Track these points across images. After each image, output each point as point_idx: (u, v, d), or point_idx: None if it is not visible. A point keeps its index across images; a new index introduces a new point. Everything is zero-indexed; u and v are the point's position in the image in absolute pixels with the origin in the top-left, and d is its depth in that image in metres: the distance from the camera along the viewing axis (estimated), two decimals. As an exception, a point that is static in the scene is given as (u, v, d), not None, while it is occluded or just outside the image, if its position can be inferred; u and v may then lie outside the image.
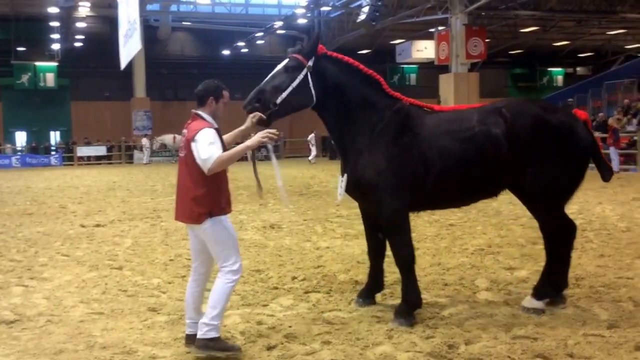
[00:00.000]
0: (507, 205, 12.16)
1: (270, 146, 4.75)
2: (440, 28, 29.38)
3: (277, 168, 4.99)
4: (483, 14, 31.46)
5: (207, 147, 4.17)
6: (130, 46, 22.32)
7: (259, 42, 42.01)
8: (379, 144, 5.08)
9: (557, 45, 44.48)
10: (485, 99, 33.94)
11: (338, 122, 5.23)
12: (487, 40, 29.37)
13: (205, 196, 4.28)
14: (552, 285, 5.35)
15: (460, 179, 5.14)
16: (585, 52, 47.19)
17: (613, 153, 19.64)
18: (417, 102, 5.44)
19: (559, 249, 5.37)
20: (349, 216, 11.38)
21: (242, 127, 4.77)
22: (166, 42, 42.26)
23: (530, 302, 5.29)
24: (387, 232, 5.31)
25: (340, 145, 5.31)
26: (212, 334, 4.29)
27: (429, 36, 32.75)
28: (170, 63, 41.96)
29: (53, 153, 38.93)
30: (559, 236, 5.36)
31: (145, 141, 35.78)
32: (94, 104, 40.28)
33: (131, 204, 14.17)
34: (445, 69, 30.74)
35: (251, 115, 4.77)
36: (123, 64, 23.42)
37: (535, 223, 9.56)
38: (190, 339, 4.45)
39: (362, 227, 9.84)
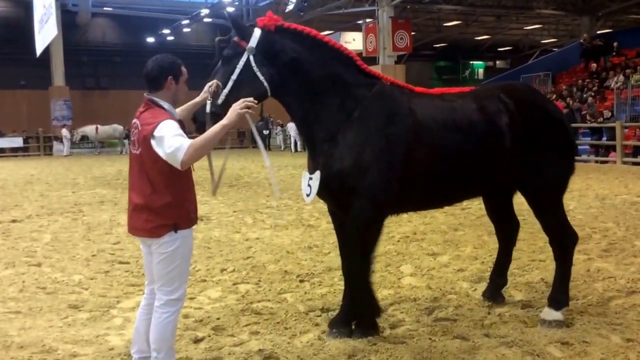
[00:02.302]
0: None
1: (251, 121, 3.82)
2: (367, 20, 29.71)
3: (263, 151, 4.15)
4: (408, 7, 32.07)
5: (172, 138, 3.33)
6: (45, 32, 21.41)
7: (185, 29, 41.21)
8: (360, 133, 4.24)
9: (479, 40, 45.88)
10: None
11: (302, 108, 4.33)
12: (412, 33, 29.93)
13: (169, 205, 3.47)
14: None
15: (455, 176, 4.47)
16: (504, 46, 48.92)
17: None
18: (398, 82, 4.60)
19: (565, 253, 4.79)
20: (279, 207, 11.40)
21: (197, 99, 4.02)
22: (86, 28, 40.77)
23: (549, 313, 4.66)
24: (350, 238, 4.40)
25: (308, 135, 4.42)
26: None
27: (357, 28, 33.08)
28: (90, 50, 40.61)
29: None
30: (565, 238, 4.79)
31: (65, 132, 34.41)
32: (8, 92, 38.39)
33: (50, 197, 13.64)
34: (373, 60, 31.11)
35: (208, 84, 4.04)
36: (38, 50, 22.44)
37: (455, 210, 9.97)
38: None
39: (291, 218, 10.02)
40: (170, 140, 3.32)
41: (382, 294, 5.59)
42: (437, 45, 46.76)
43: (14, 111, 38.35)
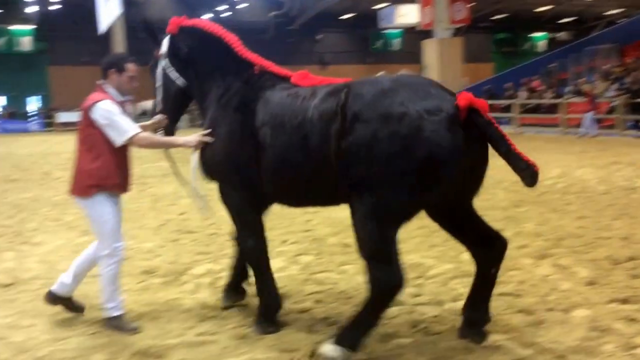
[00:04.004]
0: (489, 170, 12.37)
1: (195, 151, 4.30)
2: (423, -8, 29.23)
3: (194, 172, 4.37)
4: (467, -23, 31.34)
5: (119, 121, 4.10)
6: (109, 10, 21.94)
7: (240, 5, 41.46)
8: (219, 119, 4.21)
9: (540, 10, 44.48)
10: (469, 64, 34.08)
11: (199, 99, 4.50)
12: (470, 4, 29.30)
13: (97, 168, 4.13)
14: None
15: (287, 175, 3.92)
16: (567, 17, 47.26)
17: (589, 119, 20.03)
18: (274, 69, 4.34)
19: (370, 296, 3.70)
20: (335, 181, 11.51)
21: (148, 123, 4.55)
22: (145, 5, 41.49)
23: (325, 346, 3.72)
24: (233, 222, 4.39)
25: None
26: (115, 313, 4.29)
27: (413, 0, 32.57)
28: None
29: (32, 119, 38.42)
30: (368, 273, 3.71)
31: (126, 107, 35.36)
32: (72, 68, 39.59)
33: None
34: (428, 34, 30.67)
35: (160, 117, 4.52)
36: (102, 28, 23.02)
37: (516, 187, 9.87)
38: (50, 297, 4.51)
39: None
40: (120, 122, 4.10)
41: (443, 268, 5.65)
42: (496, 17, 45.55)
43: (77, 86, 39.59)
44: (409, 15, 34.93)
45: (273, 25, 42.94)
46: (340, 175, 3.59)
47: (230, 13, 41.86)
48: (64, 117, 36.44)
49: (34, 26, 38.18)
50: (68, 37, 38.95)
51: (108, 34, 35.10)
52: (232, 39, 4.43)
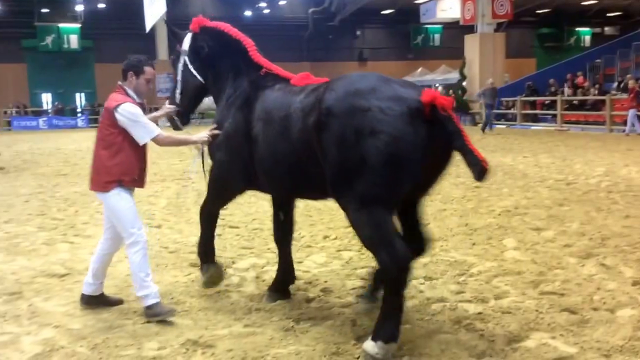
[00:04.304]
0: (532, 168, 12.28)
1: (200, 148, 4.89)
2: (465, -13, 28.96)
3: (195, 163, 5.03)
4: (509, -29, 30.89)
5: (143, 122, 4.39)
6: (155, 8, 22.36)
7: (281, 2, 41.71)
8: (225, 117, 4.67)
9: (585, 4, 43.51)
10: (512, 59, 33.63)
11: (215, 96, 4.97)
12: (513, -1, 28.93)
13: (116, 165, 4.40)
14: None
15: (275, 163, 4.21)
16: (613, 12, 46.12)
17: (632, 116, 19.64)
18: (278, 70, 4.69)
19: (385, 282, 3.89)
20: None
21: (157, 113, 5.01)
22: (187, 3, 42.08)
23: (366, 343, 3.77)
24: (207, 190, 4.90)
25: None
26: (150, 302, 4.42)
27: (454, -5, 32.30)
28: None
29: (79, 115, 39.43)
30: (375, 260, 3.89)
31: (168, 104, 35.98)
32: (117, 66, 40.02)
33: (160, 165, 14.47)
34: (470, 29, 30.37)
35: (167, 106, 4.95)
36: (148, 26, 23.50)
37: (560, 185, 9.78)
38: (83, 299, 4.71)
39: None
40: (144, 123, 4.38)
41: (485, 266, 5.67)
42: (540, 11, 44.73)
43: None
44: (450, 10, 34.63)
45: (312, 21, 43.05)
46: (323, 167, 3.81)
47: (270, 10, 42.11)
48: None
49: (81, 24, 39.08)
50: (113, 35, 39.81)
51: (152, 32, 35.74)
52: (249, 43, 4.82)
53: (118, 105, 4.37)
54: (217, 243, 6.70)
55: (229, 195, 4.92)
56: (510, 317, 4.36)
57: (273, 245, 6.52)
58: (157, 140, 4.47)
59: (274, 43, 42.49)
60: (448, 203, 8.78)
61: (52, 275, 5.63)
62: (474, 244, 6.49)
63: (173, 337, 4.11)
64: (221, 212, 8.38)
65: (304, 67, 43.61)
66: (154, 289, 4.47)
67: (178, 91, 4.92)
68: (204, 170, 4.96)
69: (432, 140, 3.61)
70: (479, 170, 3.57)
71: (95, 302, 4.72)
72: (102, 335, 4.18)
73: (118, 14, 39.39)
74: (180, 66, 4.90)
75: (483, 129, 22.81)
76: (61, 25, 39.25)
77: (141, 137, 4.43)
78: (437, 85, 33.79)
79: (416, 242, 4.07)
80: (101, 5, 39.97)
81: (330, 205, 8.79)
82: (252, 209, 8.66)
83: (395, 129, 3.52)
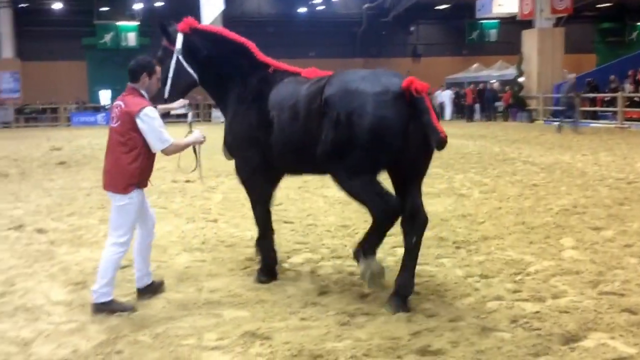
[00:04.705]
0: (592, 166, 11.96)
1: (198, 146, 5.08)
2: (523, -19, 28.37)
3: (198, 163, 5.33)
4: (569, -36, 30.08)
5: (161, 130, 4.49)
6: (212, 5, 22.78)
7: (335, -1, 41.78)
8: (240, 111, 5.17)
9: (649, -2, 41.94)
10: (571, 55, 32.74)
11: (218, 94, 5.41)
12: (573, -8, 28.16)
13: (136, 169, 4.52)
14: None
15: (289, 145, 4.83)
16: (679, 5, 44.30)
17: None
18: (286, 67, 5.24)
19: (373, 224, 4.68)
20: (429, 175, 11.46)
21: (172, 105, 5.26)
22: (242, 1, 42.62)
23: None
24: (246, 191, 5.46)
25: (222, 114, 5.55)
26: (104, 299, 4.53)
27: (511, -11, 31.66)
28: (246, 22, 42.37)
29: (137, 111, 40.38)
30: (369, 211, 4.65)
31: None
32: (173, 63, 41.27)
33: (214, 161, 14.67)
34: (528, 24, 29.73)
35: (181, 100, 5.31)
36: (206, 23, 23.93)
37: (620, 184, 9.51)
38: (140, 293, 4.89)
39: (442, 186, 10.10)
40: (163, 132, 4.49)
41: (542, 264, 5.59)
42: (601, 5, 43.30)
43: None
44: (507, 5, 33.94)
45: (366, 17, 42.94)
46: (322, 144, 4.52)
47: (324, 7, 42.20)
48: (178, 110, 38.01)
49: (139, 22, 40.06)
50: (171, 32, 40.62)
51: (207, 29, 36.39)
52: (252, 45, 5.32)
53: (140, 110, 4.45)
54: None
55: (265, 184, 5.27)
56: (568, 316, 4.29)
57: (328, 241, 6.64)
58: (165, 151, 4.57)
59: (327, 39, 42.69)
60: (504, 201, 8.66)
61: (114, 266, 5.83)
62: (531, 242, 6.40)
63: (231, 329, 4.22)
64: (276, 207, 8.61)
65: (356, 64, 43.61)
66: (112, 288, 4.60)
67: (167, 87, 5.13)
68: (199, 168, 5.27)
69: (412, 119, 4.30)
70: (438, 139, 4.19)
71: (147, 291, 4.91)
72: (163, 325, 4.32)
73: (175, 12, 40.05)
74: (173, 63, 5.13)
75: (574, 128, 20.60)
76: (119, 23, 40.31)
77: (154, 146, 4.53)
78: (493, 81, 33.20)
79: (415, 220, 4.59)
80: (159, 4, 40.85)
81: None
82: (306, 205, 8.75)
83: (380, 110, 4.29)
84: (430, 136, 4.23)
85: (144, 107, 4.47)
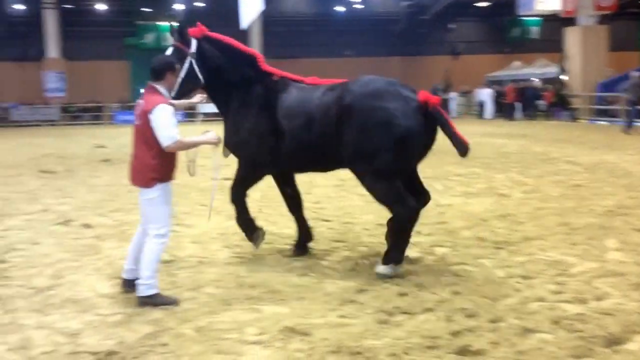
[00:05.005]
0: (637, 167, 11.69)
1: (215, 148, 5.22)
2: (566, -23, 27.83)
3: (217, 168, 5.58)
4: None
5: (168, 127, 4.57)
6: (252, 6, 22.94)
7: (373, -3, 41.63)
8: (246, 116, 5.54)
9: (699, -7, 40.62)
10: (615, 53, 31.97)
11: (223, 99, 5.70)
12: (618, -11, 27.52)
13: (159, 164, 4.67)
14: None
15: (303, 147, 5.41)
16: None
17: None
18: (289, 75, 5.74)
19: (394, 225, 5.41)
20: (469, 175, 11.40)
21: (191, 100, 5.70)
22: (281, 0, 42.79)
23: (380, 268, 5.33)
24: (237, 179, 5.94)
25: (225, 118, 5.79)
26: (150, 292, 4.68)
27: (554, -14, 31.06)
28: (284, 21, 42.58)
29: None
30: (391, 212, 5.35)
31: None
32: (213, 62, 41.72)
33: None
34: (571, 21, 29.14)
35: (201, 95, 5.71)
36: (245, 23, 24.10)
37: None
38: (126, 284, 4.98)
39: (481, 186, 10.01)
40: (168, 128, 4.57)
41: (585, 266, 5.51)
42: (647, 2, 42.19)
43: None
44: (550, 2, 33.24)
45: (405, 15, 42.66)
46: (340, 148, 5.21)
47: (362, 6, 42.09)
48: (206, 108, 38.58)
49: (179, 23, 40.61)
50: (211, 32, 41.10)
51: (245, 29, 36.69)
52: (258, 56, 5.77)
53: (154, 107, 4.60)
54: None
55: (254, 180, 5.93)
56: (612, 319, 4.24)
57: (365, 240, 6.66)
58: (168, 148, 4.62)
59: (364, 38, 42.56)
60: (546, 202, 8.55)
61: (157, 261, 5.97)
62: (573, 243, 6.31)
63: (271, 324, 4.28)
64: (312, 205, 8.68)
65: (394, 62, 43.45)
66: (157, 281, 4.75)
67: (176, 87, 5.27)
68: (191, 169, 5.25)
69: (426, 127, 5.13)
70: (463, 149, 5.12)
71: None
72: (206, 319, 4.42)
73: (215, 12, 40.59)
74: (186, 66, 5.39)
75: (627, 128, 19.69)
76: (160, 23, 40.93)
77: (161, 142, 4.61)
78: (534, 79, 32.64)
79: (420, 195, 5.52)
80: (199, 4, 41.36)
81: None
82: (343, 203, 8.79)
83: (406, 121, 5.02)
84: (455, 146, 5.12)
85: (157, 105, 4.62)
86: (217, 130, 5.05)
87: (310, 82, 5.70)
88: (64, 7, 37.75)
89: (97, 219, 8.10)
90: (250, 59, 5.72)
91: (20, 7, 38.34)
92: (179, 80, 5.31)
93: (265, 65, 5.73)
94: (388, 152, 5.03)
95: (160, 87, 4.80)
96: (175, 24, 5.55)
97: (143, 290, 4.70)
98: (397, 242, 5.31)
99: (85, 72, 38.84)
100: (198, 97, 5.54)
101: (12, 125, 34.36)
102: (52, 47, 37.33)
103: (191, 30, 5.52)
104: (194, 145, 4.86)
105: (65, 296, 4.99)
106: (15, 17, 38.34)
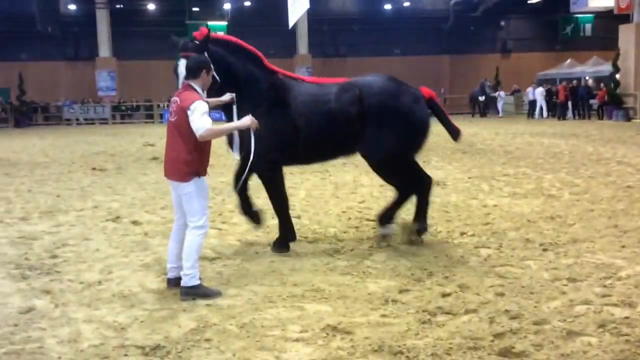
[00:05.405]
0: (693, 167, 11.28)
1: (252, 132, 5.38)
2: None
3: (251, 151, 5.58)
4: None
5: (201, 117, 4.73)
6: (299, 5, 23.06)
7: (421, -5, 41.28)
8: (257, 112, 5.52)
9: None
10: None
11: (237, 98, 5.78)
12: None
13: (196, 159, 4.86)
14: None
15: (321, 143, 6.04)
16: None
17: None
18: (289, 74, 6.26)
19: (417, 198, 6.41)
20: (517, 175, 11.22)
21: (222, 98, 5.64)
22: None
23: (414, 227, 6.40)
24: (264, 183, 6.28)
25: (238, 116, 5.75)
26: (193, 282, 4.86)
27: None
28: (331, 19, 42.65)
29: (225, 109, 41.53)
30: (412, 188, 6.41)
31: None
32: (260, 61, 42.04)
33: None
34: (625, 18, 28.31)
35: (231, 94, 5.73)
36: (291, 22, 24.22)
37: None
38: (171, 282, 5.12)
39: (530, 187, 9.84)
40: (200, 118, 4.73)
41: (635, 269, 5.39)
42: None
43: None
44: (603, -1, 32.40)
45: (453, 13, 42.15)
46: (360, 138, 6.03)
47: (410, 3, 41.78)
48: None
49: (227, 22, 41.13)
50: (257, 32, 41.48)
51: (293, 28, 36.88)
52: (261, 55, 6.09)
53: (191, 104, 4.77)
54: (354, 235, 6.94)
55: (277, 173, 6.16)
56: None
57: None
58: (201, 137, 4.78)
59: (412, 36, 42.26)
60: (596, 203, 8.34)
61: (202, 258, 6.05)
62: (623, 246, 6.15)
63: (314, 322, 4.32)
64: (357, 204, 8.70)
65: (443, 61, 43.02)
66: (198, 272, 4.94)
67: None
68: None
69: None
70: (456, 134, 6.37)
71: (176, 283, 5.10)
72: (249, 315, 4.49)
73: (262, 11, 40.98)
74: None
75: None
76: (210, 23, 41.50)
77: (196, 133, 4.77)
78: (587, 77, 31.82)
79: (424, 179, 6.38)
80: (247, 3, 41.80)
81: (468, 202, 8.71)
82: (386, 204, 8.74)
83: (420, 114, 6.09)
84: (450, 132, 6.35)
85: (194, 101, 4.79)
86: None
87: (310, 81, 6.34)
88: (115, 8, 38.72)
89: (146, 215, 8.31)
90: (256, 58, 6.03)
91: (73, 7, 39.49)
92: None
93: (269, 64, 6.10)
94: (408, 141, 6.13)
95: (196, 85, 4.98)
96: (185, 39, 5.81)
97: (186, 281, 4.88)
98: (424, 211, 6.40)
99: (136, 71, 39.76)
100: (228, 96, 5.67)
101: (65, 124, 35.52)
102: (104, 47, 38.35)
103: (197, 35, 5.70)
104: (227, 131, 5.06)
105: (114, 291, 5.14)
106: (68, 17, 39.52)
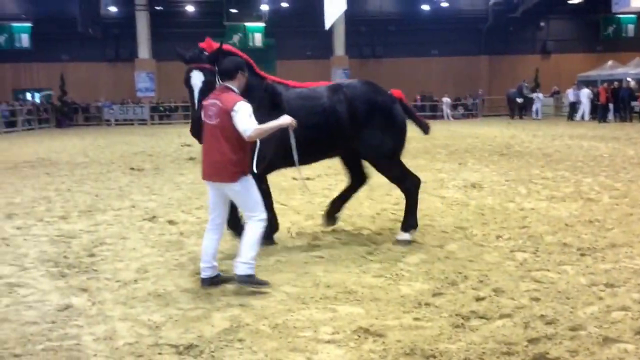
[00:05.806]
0: None
1: (292, 133, 5.35)
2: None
3: (295, 152, 5.48)
4: None
5: (248, 119, 4.84)
6: (335, 6, 23.14)
7: (459, -5, 40.86)
8: (258, 116, 5.52)
9: None
10: None
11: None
12: None
13: (241, 158, 4.97)
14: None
15: (312, 144, 6.13)
16: None
17: None
18: (277, 79, 6.53)
19: (407, 196, 6.72)
20: (555, 178, 11.03)
21: (277, 122, 5.55)
22: (366, 0, 42.76)
23: (401, 235, 6.62)
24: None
25: None
26: (251, 271, 5.03)
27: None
28: (368, 20, 42.53)
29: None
30: (401, 186, 6.78)
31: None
32: (297, 62, 42.22)
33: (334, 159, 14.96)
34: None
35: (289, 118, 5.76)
36: (328, 23, 24.32)
37: None
38: (205, 282, 5.20)
39: (568, 190, 9.66)
40: (248, 119, 4.85)
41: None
42: None
43: (301, 79, 42.06)
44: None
45: (492, 13, 41.61)
46: (350, 137, 6.42)
47: (448, 4, 41.40)
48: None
49: (265, 23, 41.42)
50: (294, 33, 41.70)
51: (329, 29, 36.91)
52: (252, 62, 6.22)
53: (234, 105, 4.87)
54: (388, 237, 6.91)
55: (264, 173, 6.19)
56: None
57: (444, 243, 6.59)
58: (250, 137, 4.89)
59: (450, 37, 41.85)
60: (636, 207, 8.15)
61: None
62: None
63: (346, 324, 4.33)
64: (392, 206, 8.67)
65: (481, 61, 42.53)
66: (255, 263, 5.08)
67: (201, 98, 5.47)
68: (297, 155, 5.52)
69: None
70: (426, 129, 6.96)
71: (216, 282, 5.25)
72: (282, 316, 4.51)
73: (299, 13, 41.08)
74: (218, 80, 5.47)
75: None
76: (247, 24, 41.86)
77: (243, 133, 4.87)
78: (629, 79, 31.05)
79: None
80: (284, 5, 41.98)
81: (504, 205, 8.60)
82: (423, 205, 8.65)
83: (398, 113, 6.61)
84: (420, 127, 6.92)
85: (237, 102, 4.89)
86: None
87: (292, 85, 6.59)
88: (154, 9, 39.33)
89: (182, 215, 8.43)
90: (250, 65, 6.09)
91: (113, 9, 40.24)
92: (200, 92, 5.57)
93: (259, 70, 6.34)
94: (395, 140, 6.58)
95: (233, 86, 5.08)
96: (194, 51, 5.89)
97: (244, 269, 5.02)
98: (412, 210, 6.65)
99: (174, 72, 40.21)
100: (287, 119, 5.78)
101: (105, 124, 36.25)
102: (143, 48, 39.00)
103: (206, 47, 5.83)
104: (271, 129, 5.11)
105: (149, 290, 5.23)
106: (109, 19, 40.27)
